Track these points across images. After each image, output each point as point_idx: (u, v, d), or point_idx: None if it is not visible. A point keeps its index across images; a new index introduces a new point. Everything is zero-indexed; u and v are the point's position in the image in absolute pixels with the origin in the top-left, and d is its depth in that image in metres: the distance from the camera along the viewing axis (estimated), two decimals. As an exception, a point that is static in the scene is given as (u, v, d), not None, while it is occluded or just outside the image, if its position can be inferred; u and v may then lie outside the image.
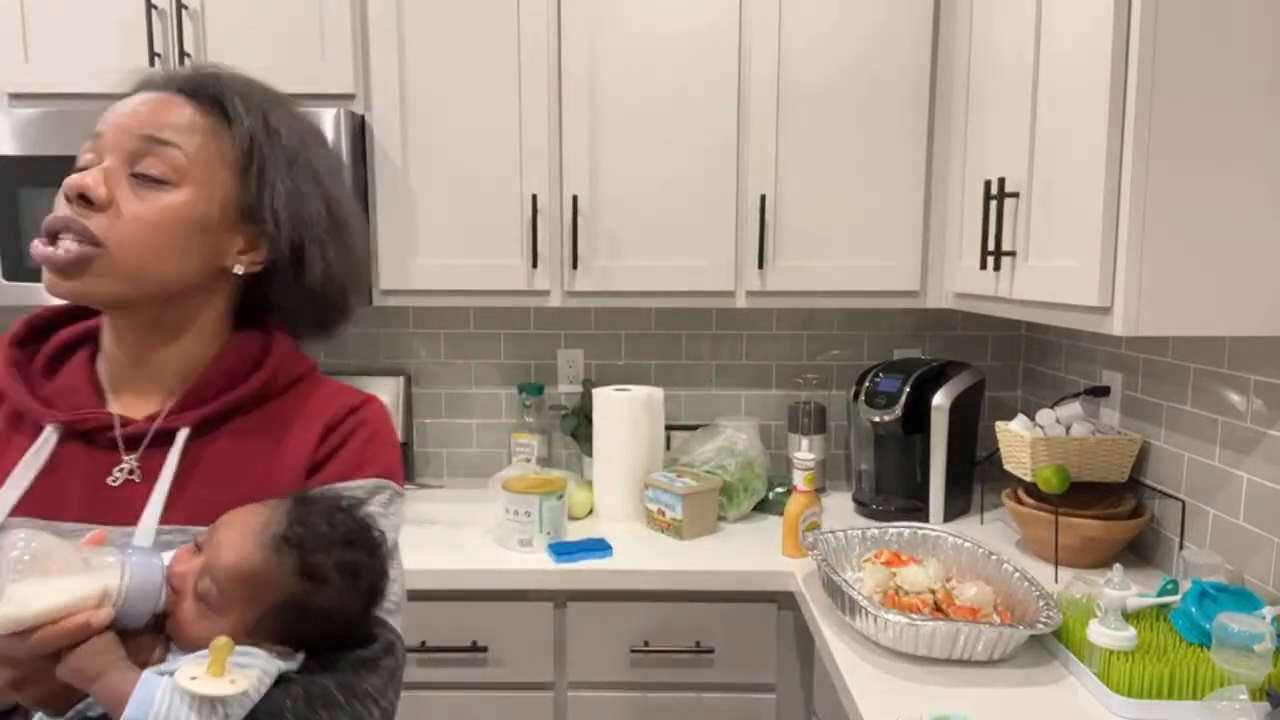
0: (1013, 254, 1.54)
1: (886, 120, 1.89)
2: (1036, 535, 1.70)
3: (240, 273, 0.87)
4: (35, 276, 1.86)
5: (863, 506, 2.05)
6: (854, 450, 2.17)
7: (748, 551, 1.79)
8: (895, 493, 2.02)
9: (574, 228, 1.91)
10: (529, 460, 2.21)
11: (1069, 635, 1.29)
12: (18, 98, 1.90)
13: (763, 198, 1.89)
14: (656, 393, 2.03)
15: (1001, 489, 1.85)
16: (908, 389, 1.95)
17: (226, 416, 0.87)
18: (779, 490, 2.06)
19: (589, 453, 2.14)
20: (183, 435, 0.84)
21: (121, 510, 0.81)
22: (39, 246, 0.79)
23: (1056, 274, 1.39)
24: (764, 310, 2.30)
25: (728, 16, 1.87)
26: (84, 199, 0.78)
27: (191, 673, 0.67)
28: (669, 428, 2.20)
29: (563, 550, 1.74)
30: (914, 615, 1.29)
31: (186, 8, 1.85)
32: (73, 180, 0.78)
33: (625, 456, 1.99)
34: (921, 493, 1.98)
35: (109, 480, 0.83)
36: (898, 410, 1.94)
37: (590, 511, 2.04)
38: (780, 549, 1.78)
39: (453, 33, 1.88)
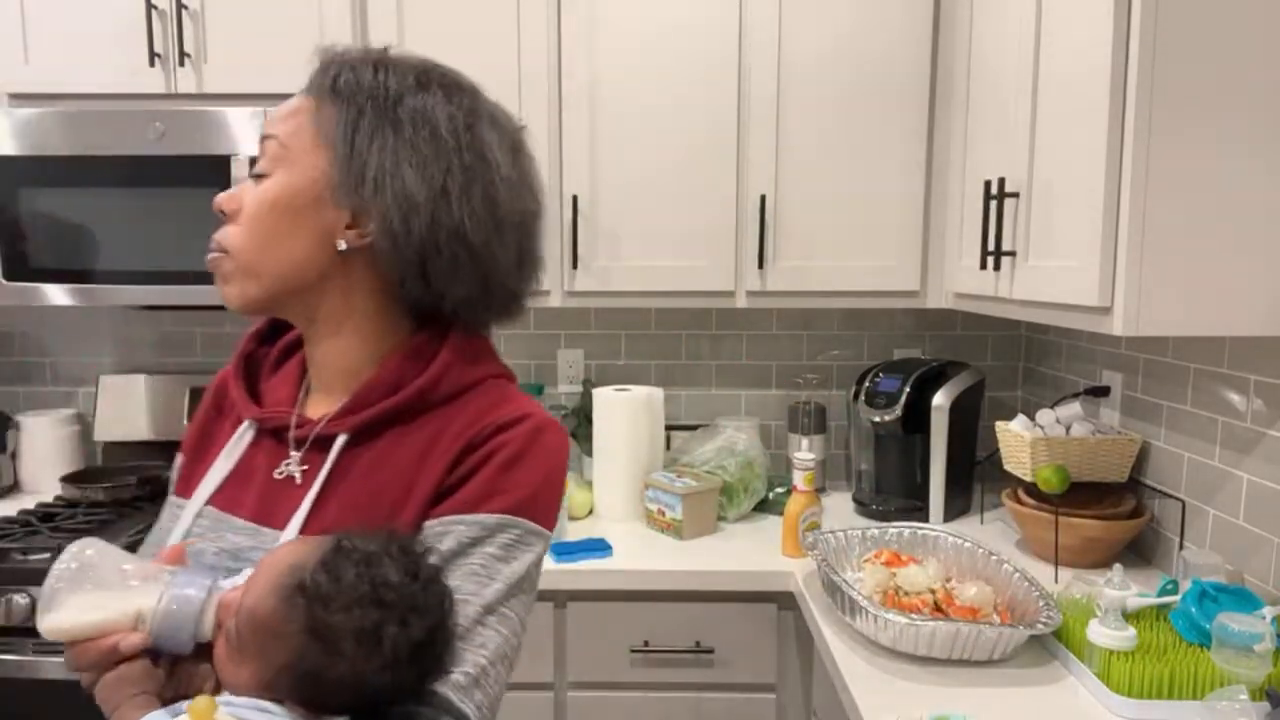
0: (1013, 254, 1.53)
1: (886, 120, 1.89)
2: (1036, 535, 1.70)
3: (344, 248, 0.79)
4: (35, 277, 1.87)
5: (863, 506, 2.05)
6: (854, 450, 2.17)
7: (748, 551, 1.79)
8: (895, 493, 2.02)
9: (574, 228, 1.91)
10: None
11: (1069, 635, 1.29)
12: (18, 98, 1.90)
13: (763, 198, 1.90)
14: (656, 393, 2.03)
15: (1001, 489, 1.85)
16: (908, 389, 1.95)
17: (384, 424, 0.81)
18: (779, 490, 2.06)
19: (589, 453, 2.14)
20: (339, 441, 0.81)
21: (281, 513, 0.80)
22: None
23: (1056, 274, 1.39)
24: (764, 310, 2.30)
25: (728, 16, 1.87)
26: (222, 213, 0.82)
27: None
28: (669, 428, 2.20)
29: (563, 550, 1.74)
30: (914, 615, 1.29)
31: (186, 8, 1.85)
32: (217, 199, 0.82)
33: (625, 457, 1.99)
34: (921, 493, 1.98)
35: (275, 474, 0.83)
36: (898, 410, 1.94)
37: (590, 511, 2.04)
38: (780, 549, 1.78)
39: (453, 34, 1.88)
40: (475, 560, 0.75)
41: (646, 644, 1.71)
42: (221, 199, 0.82)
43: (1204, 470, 1.54)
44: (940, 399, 1.92)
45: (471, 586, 0.74)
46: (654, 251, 1.94)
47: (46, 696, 1.66)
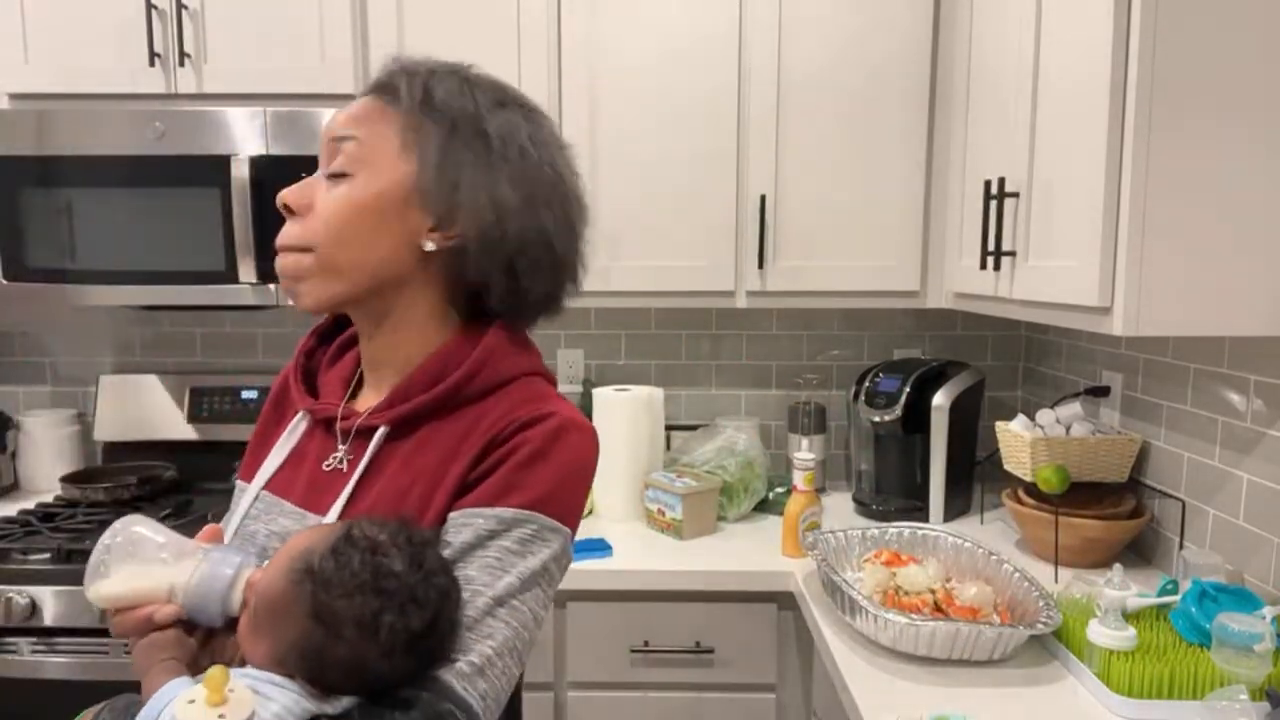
0: (1013, 254, 1.53)
1: (886, 120, 1.89)
2: (1036, 535, 1.70)
3: (431, 249, 0.84)
4: (35, 277, 1.87)
5: (863, 506, 2.05)
6: (854, 450, 2.17)
7: (748, 551, 1.79)
8: (895, 493, 2.02)
9: (574, 228, 1.90)
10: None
11: (1069, 635, 1.29)
12: (18, 98, 1.90)
13: (763, 198, 1.90)
14: (656, 393, 2.03)
15: (1001, 489, 1.85)
16: (908, 389, 1.95)
17: (422, 418, 0.85)
18: (779, 490, 2.06)
19: (589, 453, 2.13)
20: (379, 434, 0.85)
21: (326, 499, 0.84)
22: (278, 261, 0.84)
23: (1056, 274, 1.39)
24: (764, 310, 2.30)
25: (728, 17, 1.87)
26: (288, 209, 0.84)
27: (193, 694, 0.66)
28: (669, 428, 2.20)
29: (563, 550, 1.74)
30: (914, 615, 1.29)
31: (186, 8, 1.85)
32: (281, 195, 0.84)
33: (625, 456, 1.99)
34: (921, 493, 1.98)
35: (324, 466, 0.87)
36: (898, 410, 1.94)
37: (590, 511, 2.04)
38: (780, 549, 1.78)
39: (452, 35, 1.88)
40: (491, 553, 0.77)
41: (646, 644, 1.71)
42: (291, 195, 0.83)
43: (1204, 470, 1.54)
44: (940, 399, 1.93)
45: (485, 578, 0.76)
46: (654, 251, 1.94)
47: (46, 696, 1.66)
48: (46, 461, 2.20)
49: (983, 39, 1.71)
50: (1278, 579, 1.36)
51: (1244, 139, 1.19)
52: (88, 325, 2.32)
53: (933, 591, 1.39)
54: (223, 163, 1.81)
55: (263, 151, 1.80)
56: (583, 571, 1.68)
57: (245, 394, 2.20)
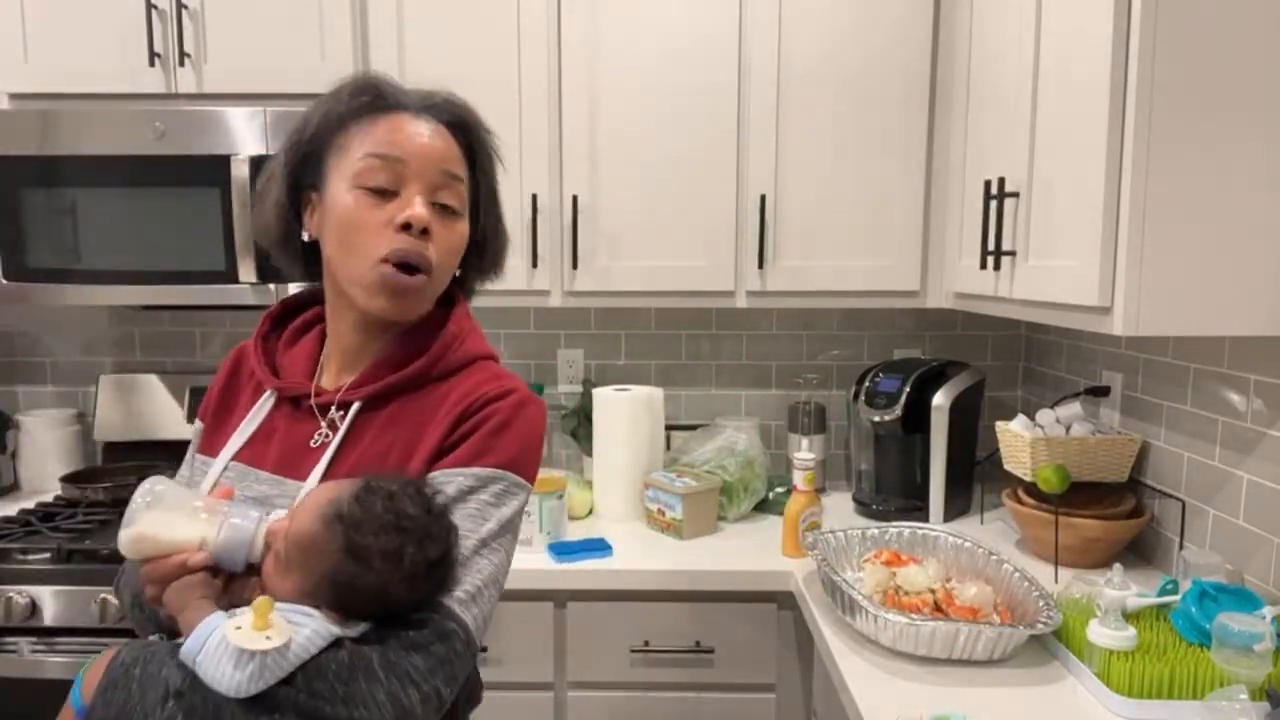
0: (1013, 254, 1.53)
1: (886, 120, 1.89)
2: (1036, 535, 1.70)
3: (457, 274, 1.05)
4: (35, 277, 1.87)
5: (863, 506, 2.05)
6: (854, 450, 2.17)
7: (748, 551, 1.79)
8: (895, 493, 2.02)
9: (574, 227, 1.91)
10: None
11: (1069, 635, 1.29)
12: (18, 98, 1.90)
13: (763, 198, 1.89)
14: (656, 393, 2.03)
15: (1001, 489, 1.85)
16: (908, 389, 1.95)
17: (392, 394, 0.97)
18: (779, 490, 2.06)
19: (589, 453, 2.14)
20: (353, 409, 0.96)
21: (305, 467, 0.95)
22: (400, 276, 0.92)
23: (1056, 274, 1.39)
24: (764, 310, 2.30)
25: (728, 16, 1.87)
26: (425, 231, 0.93)
27: (238, 622, 0.76)
28: (669, 428, 2.20)
29: (563, 550, 1.74)
30: (914, 615, 1.29)
31: (186, 8, 1.85)
32: (421, 215, 0.92)
33: (625, 456, 1.99)
34: (921, 493, 1.98)
35: (310, 443, 0.97)
36: (898, 410, 1.94)
37: (590, 511, 2.04)
38: (780, 549, 1.78)
39: (452, 34, 1.88)
40: (472, 505, 0.91)
41: (646, 644, 1.71)
42: (424, 219, 0.92)
43: (1204, 470, 1.54)
44: (940, 399, 1.92)
45: (470, 525, 0.89)
46: (654, 251, 1.94)
47: (46, 696, 1.66)
48: (46, 461, 2.20)
49: (983, 40, 1.71)
50: (1278, 579, 1.36)
51: (1244, 139, 1.19)
52: (88, 325, 2.32)
53: (933, 591, 1.39)
54: (223, 162, 1.81)
55: (263, 151, 1.80)
56: (583, 571, 1.68)
57: (245, 394, 2.20)
